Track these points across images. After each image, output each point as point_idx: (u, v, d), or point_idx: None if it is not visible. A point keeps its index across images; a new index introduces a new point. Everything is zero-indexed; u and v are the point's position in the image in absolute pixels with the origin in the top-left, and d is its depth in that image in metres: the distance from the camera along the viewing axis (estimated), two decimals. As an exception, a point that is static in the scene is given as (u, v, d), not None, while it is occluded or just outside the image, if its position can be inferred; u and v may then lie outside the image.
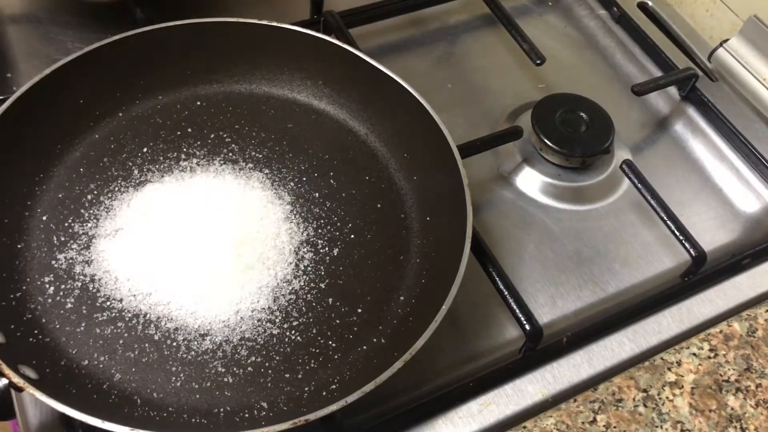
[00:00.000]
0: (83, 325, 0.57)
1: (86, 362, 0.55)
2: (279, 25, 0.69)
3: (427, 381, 0.61)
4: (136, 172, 0.66)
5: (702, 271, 0.68)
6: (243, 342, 0.58)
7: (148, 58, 0.68)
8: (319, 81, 0.72)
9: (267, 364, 0.57)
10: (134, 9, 0.76)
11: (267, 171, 0.67)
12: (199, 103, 0.71)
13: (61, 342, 0.56)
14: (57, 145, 0.65)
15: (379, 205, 0.66)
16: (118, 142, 0.67)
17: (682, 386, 0.59)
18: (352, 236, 0.64)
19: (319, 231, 0.64)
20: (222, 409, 0.54)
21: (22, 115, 0.61)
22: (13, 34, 0.80)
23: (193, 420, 0.53)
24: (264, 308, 0.59)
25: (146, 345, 0.56)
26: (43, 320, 0.56)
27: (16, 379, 0.48)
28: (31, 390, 0.48)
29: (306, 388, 0.56)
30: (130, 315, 0.57)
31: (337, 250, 0.63)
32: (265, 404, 0.55)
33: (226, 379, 0.56)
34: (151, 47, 0.67)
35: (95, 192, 0.64)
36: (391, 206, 0.66)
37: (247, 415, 0.54)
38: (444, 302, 0.54)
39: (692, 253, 0.68)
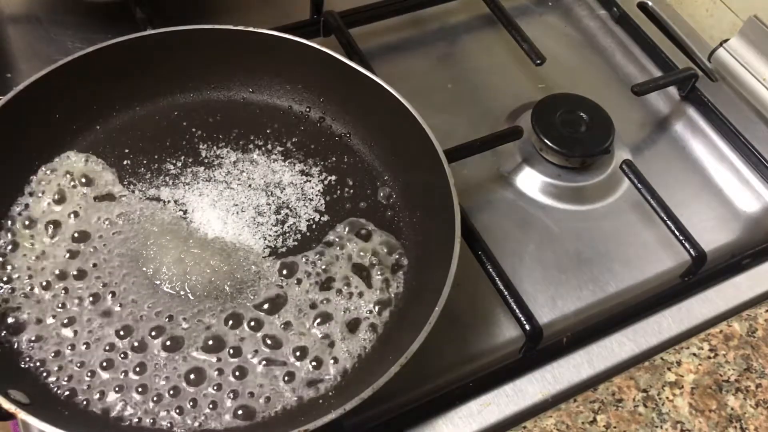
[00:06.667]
0: (74, 344, 0.56)
1: (78, 383, 0.54)
2: (254, 30, 0.68)
3: (427, 381, 0.61)
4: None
5: (702, 271, 0.68)
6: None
7: (123, 69, 0.67)
8: (298, 85, 0.71)
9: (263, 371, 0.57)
10: (134, 9, 0.76)
11: (248, 179, 0.67)
12: (176, 113, 0.70)
13: (52, 364, 0.55)
14: (35, 162, 0.64)
15: (363, 206, 0.66)
16: (97, 155, 0.66)
17: (682, 386, 0.59)
18: None
19: (307, 236, 0.64)
20: (218, 420, 0.54)
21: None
22: (13, 34, 0.80)
23: None
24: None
25: (138, 361, 0.56)
26: (32, 343, 0.56)
27: (7, 405, 0.48)
28: (23, 415, 0.47)
29: (302, 395, 0.56)
30: (117, 338, 0.57)
31: None
32: (262, 412, 0.55)
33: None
34: (125, 58, 0.66)
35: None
36: (378, 208, 0.66)
37: (246, 425, 0.54)
38: (437, 304, 0.54)
39: (692, 253, 0.68)
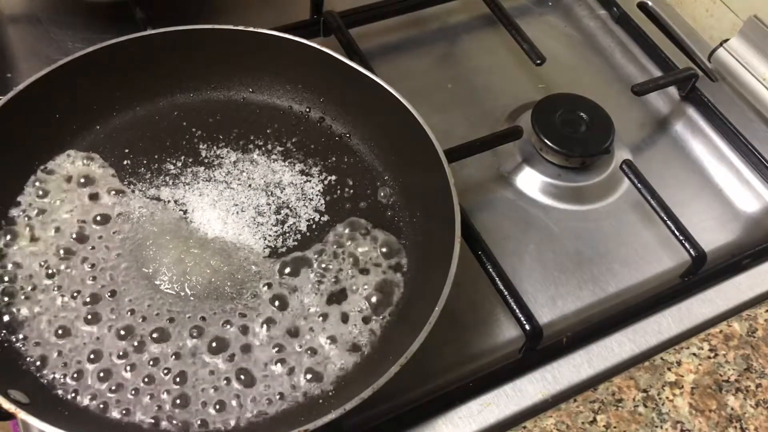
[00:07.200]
0: (74, 344, 0.56)
1: (78, 383, 0.54)
2: (254, 30, 0.68)
3: (427, 381, 0.61)
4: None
5: (702, 272, 0.68)
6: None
7: (122, 69, 0.67)
8: (298, 85, 0.71)
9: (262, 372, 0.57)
10: (134, 9, 0.76)
11: (248, 179, 0.67)
12: (176, 113, 0.70)
13: (52, 364, 0.55)
14: (35, 162, 0.64)
15: (363, 206, 0.66)
16: (97, 155, 0.66)
17: (682, 386, 0.59)
18: None
19: (307, 236, 0.64)
20: (218, 420, 0.54)
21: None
22: (13, 34, 0.80)
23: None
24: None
25: (138, 361, 0.56)
26: (32, 342, 0.56)
27: (7, 405, 0.48)
28: (23, 415, 0.47)
29: (303, 395, 0.56)
30: (116, 338, 0.57)
31: None
32: (263, 412, 0.54)
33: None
34: (125, 58, 0.66)
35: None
36: (378, 208, 0.66)
37: (243, 425, 0.54)
38: (437, 304, 0.54)
39: (692, 253, 0.68)
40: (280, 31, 0.69)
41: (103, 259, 0.60)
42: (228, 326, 0.58)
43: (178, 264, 0.60)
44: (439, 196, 0.61)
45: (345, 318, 0.59)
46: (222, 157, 0.68)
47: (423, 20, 0.88)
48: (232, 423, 0.54)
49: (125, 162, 0.66)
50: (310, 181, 0.67)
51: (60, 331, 0.56)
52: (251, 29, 0.68)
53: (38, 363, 0.55)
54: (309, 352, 0.57)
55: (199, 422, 0.54)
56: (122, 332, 0.57)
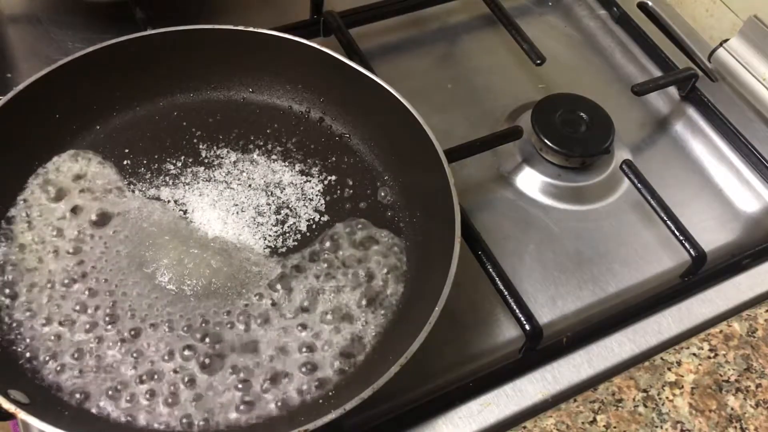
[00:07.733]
0: (74, 344, 0.56)
1: (78, 383, 0.54)
2: (254, 30, 0.68)
3: (427, 381, 0.61)
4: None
5: (702, 272, 0.68)
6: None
7: (122, 69, 0.67)
8: (298, 85, 0.71)
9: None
10: (134, 9, 0.76)
11: (248, 179, 0.67)
12: (176, 113, 0.70)
13: (51, 364, 0.55)
14: (35, 162, 0.64)
15: (363, 206, 0.66)
16: (97, 155, 0.66)
17: (682, 386, 0.59)
18: None
19: (307, 236, 0.64)
20: (218, 420, 0.54)
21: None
22: (13, 34, 0.80)
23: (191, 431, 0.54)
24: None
25: (138, 361, 0.56)
26: (32, 343, 0.56)
27: (7, 405, 0.48)
28: (23, 415, 0.47)
29: (303, 395, 0.56)
30: (116, 338, 0.57)
31: None
32: (263, 412, 0.55)
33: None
34: (125, 58, 0.66)
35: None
36: (378, 208, 0.66)
37: (244, 425, 0.54)
38: (437, 304, 0.54)
39: (692, 253, 0.68)
40: (280, 31, 0.69)
41: (104, 259, 0.60)
42: (228, 326, 0.58)
43: (178, 264, 0.60)
44: (439, 196, 0.61)
45: (345, 317, 0.59)
46: (222, 157, 0.68)
47: (423, 20, 0.88)
48: (233, 423, 0.54)
49: (125, 162, 0.67)
50: (310, 181, 0.67)
51: (59, 331, 0.56)
52: (251, 29, 0.68)
53: (38, 363, 0.55)
54: (309, 351, 0.57)
55: (199, 422, 0.54)
56: (122, 332, 0.57)
